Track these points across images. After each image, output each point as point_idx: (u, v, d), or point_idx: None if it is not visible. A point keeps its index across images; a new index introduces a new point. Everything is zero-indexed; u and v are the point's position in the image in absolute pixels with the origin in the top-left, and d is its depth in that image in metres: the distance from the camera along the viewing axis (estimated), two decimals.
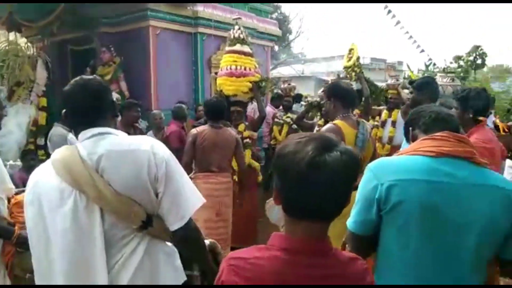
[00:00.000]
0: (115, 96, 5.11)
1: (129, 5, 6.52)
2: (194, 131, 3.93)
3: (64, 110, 1.66)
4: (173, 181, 1.54)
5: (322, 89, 6.71)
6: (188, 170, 3.91)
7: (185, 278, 1.64)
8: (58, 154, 1.55)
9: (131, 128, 4.42)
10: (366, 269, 1.14)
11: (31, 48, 6.84)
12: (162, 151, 1.56)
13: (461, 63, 23.18)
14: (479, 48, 25.81)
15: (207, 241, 1.82)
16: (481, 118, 2.90)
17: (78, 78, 1.63)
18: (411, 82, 3.39)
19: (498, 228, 1.34)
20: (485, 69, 25.49)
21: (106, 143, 1.52)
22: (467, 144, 1.49)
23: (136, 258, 1.50)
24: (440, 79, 4.70)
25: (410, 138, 1.69)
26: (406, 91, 5.54)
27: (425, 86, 3.26)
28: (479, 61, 25.39)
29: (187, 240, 1.59)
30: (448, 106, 3.86)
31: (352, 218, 1.51)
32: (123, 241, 1.51)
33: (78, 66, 6.94)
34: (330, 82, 3.32)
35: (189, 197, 1.59)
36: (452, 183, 1.36)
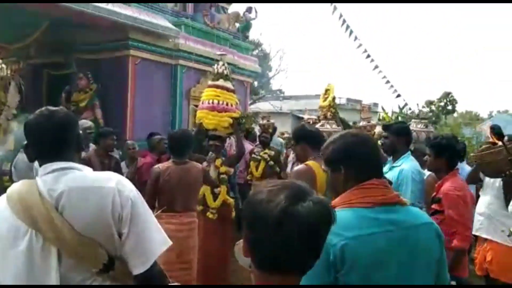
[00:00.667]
0: (88, 123, 4.97)
1: (110, 32, 6.49)
2: (156, 168, 3.69)
3: (25, 142, 1.55)
4: (138, 221, 1.45)
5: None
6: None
7: None
8: (15, 187, 1.45)
9: (106, 157, 4.28)
10: None
11: (4, 70, 6.68)
12: (128, 189, 1.47)
13: (433, 107, 24.15)
14: (450, 95, 27.05)
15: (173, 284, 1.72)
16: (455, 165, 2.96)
17: (43, 108, 1.54)
18: (386, 127, 3.42)
19: (436, 259, 1.46)
20: (455, 114, 26.61)
21: (68, 179, 1.43)
22: (390, 188, 1.53)
23: None
24: (414, 125, 4.81)
25: (343, 179, 1.51)
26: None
27: (403, 132, 3.29)
28: (449, 107, 26.56)
29: (151, 283, 1.50)
30: (421, 152, 3.93)
31: (308, 281, 1.30)
32: (85, 283, 1.41)
33: (53, 91, 6.80)
34: (296, 127, 3.34)
35: (154, 239, 1.49)
36: (395, 230, 1.40)
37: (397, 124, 3.49)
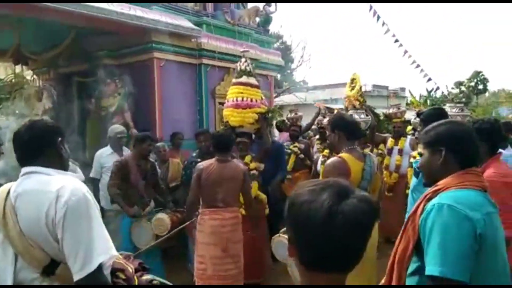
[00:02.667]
0: (119, 128, 5.10)
1: (134, 37, 6.61)
2: (200, 165, 3.84)
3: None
4: (74, 228, 1.48)
5: (320, 115, 6.72)
6: (193, 207, 3.83)
7: None
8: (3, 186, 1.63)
9: (143, 161, 4.38)
10: None
11: (37, 81, 6.91)
12: (68, 195, 1.50)
13: (463, 88, 23.43)
14: (480, 74, 26.11)
15: None
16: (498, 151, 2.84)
17: (27, 120, 1.75)
18: (419, 114, 3.33)
19: None
20: (487, 94, 25.70)
21: (28, 182, 1.58)
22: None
23: None
24: (449, 109, 4.65)
25: (443, 161, 1.63)
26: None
27: (434, 118, 3.18)
28: (480, 87, 25.66)
29: (138, 285, 1.55)
30: None
31: (454, 265, 1.38)
32: (32, 285, 1.50)
33: (84, 97, 6.99)
34: (334, 114, 3.29)
35: (92, 248, 1.49)
36: (497, 214, 1.58)
37: (431, 110, 3.36)
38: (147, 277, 1.80)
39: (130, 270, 1.72)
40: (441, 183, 1.56)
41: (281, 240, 3.20)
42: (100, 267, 1.50)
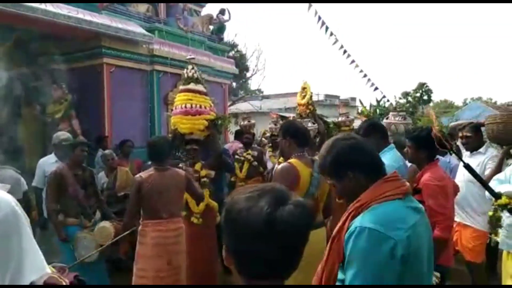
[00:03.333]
0: (65, 135, 4.90)
1: (83, 41, 6.42)
2: (138, 177, 3.64)
3: None
4: (2, 244, 1.38)
5: (271, 122, 6.81)
6: (130, 220, 3.69)
7: None
8: None
9: (79, 170, 4.17)
10: None
11: None
12: None
13: (409, 98, 24.55)
14: (425, 85, 27.58)
15: None
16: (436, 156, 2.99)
17: None
18: (357, 133, 3.42)
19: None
20: (431, 104, 27.12)
21: None
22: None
23: None
24: (392, 118, 4.85)
25: (353, 185, 1.54)
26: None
27: (371, 130, 3.26)
28: (425, 97, 27.07)
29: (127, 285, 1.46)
30: (400, 144, 3.98)
31: None
32: (33, 285, 1.41)
33: (28, 103, 6.68)
34: (285, 121, 3.34)
35: (23, 265, 1.40)
36: (419, 217, 1.50)
37: (363, 125, 3.48)
38: None
39: (64, 285, 1.64)
40: (362, 197, 1.49)
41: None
42: (31, 285, 1.39)
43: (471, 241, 3.82)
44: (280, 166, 2.95)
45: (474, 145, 4.08)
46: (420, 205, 1.58)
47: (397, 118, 4.89)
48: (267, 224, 0.93)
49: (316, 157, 3.27)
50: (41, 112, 6.55)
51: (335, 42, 9.17)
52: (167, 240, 3.56)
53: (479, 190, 3.54)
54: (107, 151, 5.52)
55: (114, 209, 4.90)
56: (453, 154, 3.69)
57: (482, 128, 4.11)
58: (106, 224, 4.00)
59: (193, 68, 4.74)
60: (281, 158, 5.37)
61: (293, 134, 2.95)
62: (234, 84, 17.38)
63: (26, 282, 1.39)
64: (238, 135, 6.72)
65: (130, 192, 3.70)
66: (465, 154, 4.22)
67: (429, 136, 3.01)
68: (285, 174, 2.79)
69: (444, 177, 2.96)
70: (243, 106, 17.73)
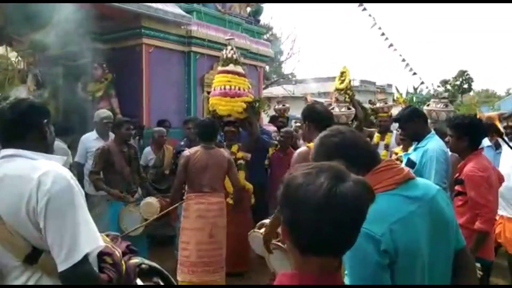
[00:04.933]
0: (105, 113, 5.04)
1: (123, 22, 6.51)
2: (186, 153, 3.88)
3: None
4: (57, 217, 1.42)
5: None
6: (177, 193, 3.86)
7: None
8: None
9: (124, 146, 4.33)
10: None
11: (21, 63, 6.76)
12: (51, 183, 1.43)
13: (448, 87, 23.74)
14: (465, 73, 26.50)
15: None
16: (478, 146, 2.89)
17: (13, 98, 1.64)
18: (396, 120, 3.36)
19: (454, 223, 1.52)
20: (471, 93, 26.12)
21: (9, 166, 1.50)
22: (399, 164, 1.53)
23: None
24: (433, 105, 4.70)
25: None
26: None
27: (413, 115, 3.19)
28: (465, 86, 26.04)
29: (74, 285, 1.45)
30: (442, 132, 3.87)
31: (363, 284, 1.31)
32: (15, 273, 1.46)
33: (70, 82, 6.87)
34: (306, 105, 3.28)
35: (77, 238, 1.44)
36: (421, 205, 1.41)
37: (405, 111, 3.41)
38: (135, 260, 1.76)
39: (118, 254, 1.69)
40: None
41: (255, 235, 3.22)
42: (85, 257, 1.44)
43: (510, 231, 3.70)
44: (298, 151, 2.92)
45: None
46: (425, 192, 1.44)
47: (438, 105, 4.74)
48: (326, 199, 0.94)
49: None
50: (82, 90, 6.73)
51: (373, 25, 8.95)
52: (209, 213, 3.71)
53: None
54: (157, 128, 5.67)
55: (162, 186, 5.09)
56: (503, 143, 3.55)
57: None
58: (152, 199, 4.13)
59: (232, 49, 4.73)
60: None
61: (312, 118, 2.90)
62: (267, 67, 17.28)
63: (81, 254, 1.43)
64: (273, 120, 6.71)
65: (178, 167, 3.87)
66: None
67: (472, 124, 2.91)
68: (301, 159, 2.74)
69: (488, 168, 2.87)
70: (276, 90, 17.63)
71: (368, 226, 1.25)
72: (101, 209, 4.31)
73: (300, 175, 1.00)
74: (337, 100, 5.82)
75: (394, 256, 1.30)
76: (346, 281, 1.42)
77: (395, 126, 5.99)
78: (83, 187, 4.81)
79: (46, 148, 1.64)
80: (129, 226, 4.02)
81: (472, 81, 25.13)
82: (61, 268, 1.41)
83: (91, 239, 1.50)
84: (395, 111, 6.02)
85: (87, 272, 1.45)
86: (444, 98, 5.01)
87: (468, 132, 2.88)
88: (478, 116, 2.85)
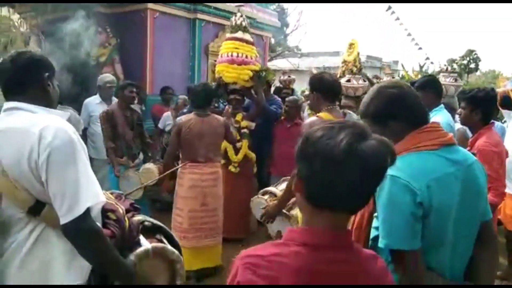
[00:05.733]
0: (108, 77, 4.98)
1: None
2: (179, 120, 3.79)
3: None
4: (59, 170, 1.42)
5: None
6: (170, 160, 3.82)
7: (80, 282, 1.50)
8: None
9: (129, 111, 4.30)
10: (386, 268, 1.09)
11: (24, 25, 6.63)
12: (52, 137, 1.42)
13: (455, 66, 23.40)
14: (473, 53, 26.05)
15: (148, 246, 1.67)
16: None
17: (14, 51, 1.62)
18: (412, 83, 3.30)
19: (485, 195, 1.56)
20: (478, 73, 25.78)
21: (10, 120, 1.49)
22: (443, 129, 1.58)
23: (26, 246, 1.45)
24: (443, 79, 4.61)
25: (391, 133, 1.49)
26: None
27: (428, 85, 3.16)
28: (472, 65, 25.66)
29: (76, 238, 1.44)
30: (450, 106, 3.82)
31: (397, 236, 1.36)
32: (19, 224, 1.47)
33: (73, 45, 6.76)
34: (314, 74, 3.20)
35: (80, 191, 1.43)
36: (460, 169, 1.45)
37: (422, 78, 3.34)
38: (138, 217, 1.77)
39: (121, 211, 1.68)
40: (396, 147, 1.47)
41: (259, 201, 3.23)
42: (87, 211, 1.44)
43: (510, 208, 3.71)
44: (308, 120, 2.86)
45: None
46: (465, 158, 1.50)
47: (448, 79, 4.65)
48: (347, 154, 0.92)
49: (349, 111, 3.19)
50: (86, 55, 6.63)
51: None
52: (202, 182, 3.67)
53: None
54: (182, 96, 5.66)
55: None
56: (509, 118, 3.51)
57: None
58: (151, 166, 4.14)
59: (242, 16, 4.61)
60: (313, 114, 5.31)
61: (320, 88, 2.84)
62: (272, 39, 17.03)
63: (83, 207, 1.43)
64: (277, 91, 6.63)
65: (171, 135, 3.80)
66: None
67: (487, 97, 2.86)
68: (312, 127, 2.70)
69: (500, 143, 2.85)
70: (281, 63, 17.40)
71: (408, 179, 1.35)
72: (103, 174, 4.31)
73: (322, 129, 0.99)
74: (351, 71, 5.68)
75: (428, 210, 1.37)
76: (373, 232, 1.49)
77: None
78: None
79: (48, 101, 1.61)
80: (128, 190, 4.04)
81: (480, 60, 24.72)
82: (63, 221, 1.41)
83: (92, 193, 1.49)
84: None
85: (89, 227, 1.45)
86: (453, 72, 4.92)
87: (481, 105, 2.84)
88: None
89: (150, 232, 1.79)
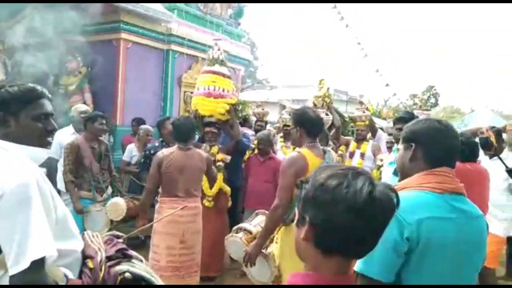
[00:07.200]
0: (83, 107, 4.84)
1: (102, 14, 6.30)
2: (160, 154, 3.69)
3: None
4: (8, 218, 1.33)
5: (284, 112, 6.72)
6: (150, 196, 3.72)
7: None
8: None
9: (95, 143, 4.16)
10: None
11: None
12: (5, 179, 1.35)
13: (416, 101, 24.40)
14: (433, 88, 27.38)
15: None
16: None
17: None
18: (399, 119, 3.38)
19: (484, 250, 1.55)
20: (437, 108, 26.98)
21: None
22: (458, 180, 1.56)
23: None
24: (417, 115, 4.79)
25: (411, 157, 1.57)
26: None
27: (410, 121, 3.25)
28: (432, 100, 26.94)
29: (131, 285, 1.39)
30: None
31: (373, 265, 1.37)
32: (34, 285, 1.35)
33: (41, 73, 6.58)
34: (297, 109, 3.22)
35: (27, 243, 1.32)
36: (462, 218, 1.45)
37: (403, 113, 3.42)
38: (120, 267, 1.62)
39: (99, 259, 1.56)
40: (404, 182, 1.54)
41: (233, 240, 3.17)
42: (36, 264, 1.31)
43: (489, 246, 3.80)
44: (289, 155, 2.86)
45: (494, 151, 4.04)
46: (469, 209, 1.49)
47: (421, 117, 4.82)
48: (368, 201, 0.94)
49: (329, 148, 3.21)
50: (54, 83, 6.45)
51: (347, 26, 9.09)
52: (181, 218, 3.55)
53: (501, 195, 3.51)
54: (144, 126, 5.59)
55: (143, 183, 5.02)
56: (494, 158, 3.64)
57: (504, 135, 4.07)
58: (118, 200, 3.98)
59: (219, 50, 4.65)
60: (293, 148, 5.36)
61: (304, 123, 2.85)
62: (243, 72, 17.29)
63: (28, 261, 1.30)
64: (244, 123, 6.67)
65: (151, 168, 3.68)
66: (484, 159, 4.17)
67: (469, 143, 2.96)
68: (292, 163, 2.68)
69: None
70: (251, 95, 17.60)
71: (400, 212, 1.31)
72: (71, 209, 4.11)
73: (335, 176, 0.99)
74: (314, 105, 5.85)
75: (414, 246, 1.37)
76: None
77: (377, 136, 6.06)
78: (55, 183, 4.64)
79: (15, 139, 1.52)
80: (94, 227, 3.85)
81: (439, 96, 25.92)
82: (10, 272, 1.31)
83: (44, 244, 1.35)
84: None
85: (34, 281, 1.32)
86: (427, 109, 5.11)
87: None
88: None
89: (133, 285, 1.63)
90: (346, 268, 1.02)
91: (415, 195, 1.45)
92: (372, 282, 1.38)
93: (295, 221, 1.06)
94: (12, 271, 1.30)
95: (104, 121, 4.20)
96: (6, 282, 1.36)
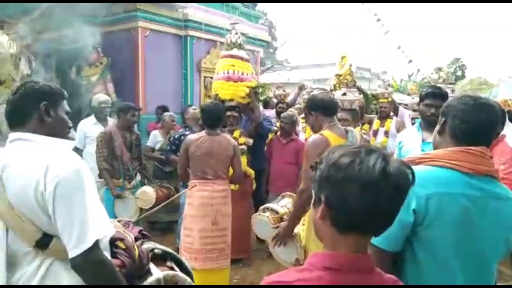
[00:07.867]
0: (103, 97, 4.93)
1: (118, 4, 6.34)
2: (188, 138, 3.76)
3: None
4: (66, 202, 1.39)
5: (305, 93, 6.64)
6: (184, 174, 3.78)
7: None
8: None
9: (127, 132, 4.28)
10: None
11: (13, 46, 6.57)
12: (58, 170, 1.39)
13: (442, 74, 23.75)
14: (459, 60, 26.53)
15: (160, 274, 1.62)
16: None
17: (19, 84, 1.64)
18: (433, 94, 3.26)
19: (508, 236, 1.47)
20: (464, 80, 26.17)
21: (16, 152, 1.48)
22: (493, 162, 1.52)
23: (36, 280, 1.42)
24: None
25: (439, 130, 1.56)
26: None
27: (447, 97, 3.15)
28: (459, 73, 26.10)
29: (85, 271, 1.40)
30: None
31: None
32: (27, 258, 1.44)
33: (63, 65, 6.71)
34: (306, 99, 3.19)
35: (88, 223, 1.40)
36: (483, 196, 1.40)
37: (436, 89, 3.29)
38: (148, 245, 1.72)
39: (130, 239, 1.64)
40: (432, 153, 1.50)
41: (260, 218, 3.17)
42: (96, 243, 1.41)
43: None
44: (311, 138, 2.82)
45: None
46: (500, 192, 1.44)
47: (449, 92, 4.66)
48: (382, 177, 0.93)
49: (351, 128, 3.16)
50: (77, 74, 6.57)
51: (369, 10, 8.87)
52: (213, 200, 3.61)
53: None
54: (167, 113, 5.63)
55: (166, 168, 5.16)
56: None
57: None
58: (148, 189, 4.07)
59: (236, 33, 4.63)
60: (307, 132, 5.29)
61: (316, 107, 2.84)
62: (262, 53, 17.15)
63: (91, 240, 1.39)
64: (266, 105, 6.64)
65: (180, 153, 3.78)
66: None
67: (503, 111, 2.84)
68: (316, 146, 2.64)
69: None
70: (270, 77, 17.50)
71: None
72: (99, 194, 4.23)
73: (348, 154, 0.98)
74: (346, 85, 5.69)
75: (421, 218, 1.36)
76: None
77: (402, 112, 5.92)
78: None
79: (49, 131, 1.58)
80: (123, 214, 3.96)
81: (466, 68, 25.15)
82: (71, 254, 1.38)
83: (101, 225, 1.47)
84: (396, 97, 5.95)
85: (98, 259, 1.42)
86: (451, 83, 4.95)
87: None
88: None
89: (161, 259, 1.74)
90: (364, 246, 1.02)
91: (429, 170, 1.43)
92: (374, 249, 1.35)
93: (311, 202, 1.06)
94: (74, 252, 1.37)
95: (136, 113, 4.31)
96: (54, 270, 1.44)
